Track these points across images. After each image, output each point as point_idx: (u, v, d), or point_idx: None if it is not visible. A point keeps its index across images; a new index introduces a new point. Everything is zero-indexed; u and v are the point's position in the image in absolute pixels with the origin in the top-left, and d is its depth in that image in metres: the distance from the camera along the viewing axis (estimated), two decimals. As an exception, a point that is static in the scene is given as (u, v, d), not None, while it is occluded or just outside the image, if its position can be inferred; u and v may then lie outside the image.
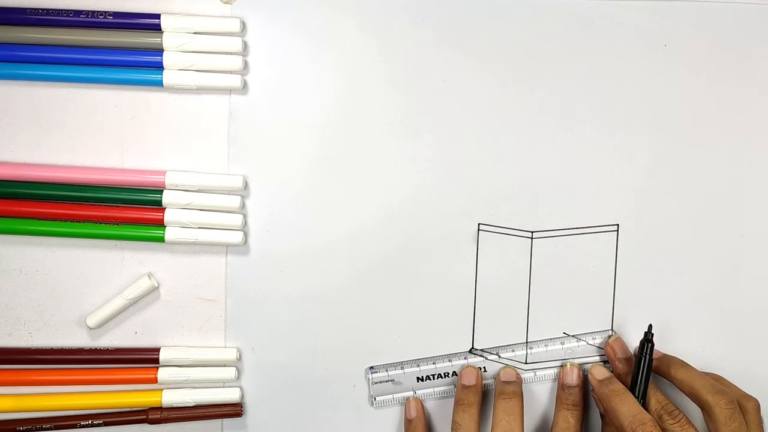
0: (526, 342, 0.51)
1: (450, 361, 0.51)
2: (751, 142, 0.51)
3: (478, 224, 0.50)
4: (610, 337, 0.51)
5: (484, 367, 0.50)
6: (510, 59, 0.49)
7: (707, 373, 0.50)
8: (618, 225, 0.51)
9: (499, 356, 0.51)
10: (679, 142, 0.50)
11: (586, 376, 0.50)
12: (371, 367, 0.50)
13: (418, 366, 0.50)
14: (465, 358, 0.50)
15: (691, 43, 0.50)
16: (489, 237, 0.50)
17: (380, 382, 0.50)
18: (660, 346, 0.51)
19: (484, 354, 0.51)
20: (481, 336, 0.51)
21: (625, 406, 0.46)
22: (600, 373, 0.50)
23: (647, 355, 0.48)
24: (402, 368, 0.50)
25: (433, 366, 0.50)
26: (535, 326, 0.51)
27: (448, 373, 0.50)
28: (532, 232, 0.50)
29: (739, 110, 0.51)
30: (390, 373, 0.50)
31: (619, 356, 0.50)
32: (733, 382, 0.50)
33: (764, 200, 0.51)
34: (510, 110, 0.50)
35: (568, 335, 0.51)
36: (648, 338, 0.48)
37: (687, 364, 0.49)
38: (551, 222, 0.50)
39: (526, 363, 0.51)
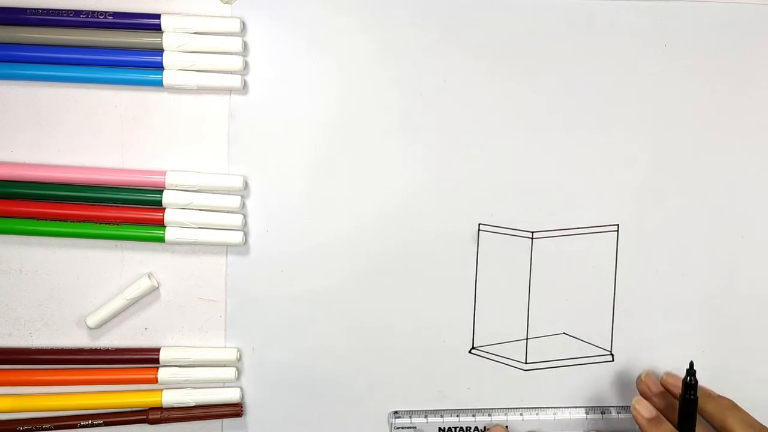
0: (526, 341, 0.51)
1: (474, 416, 0.51)
2: (750, 142, 0.51)
3: (478, 224, 0.50)
4: (641, 374, 0.51)
5: (507, 426, 0.51)
6: (510, 59, 0.49)
7: (721, 396, 0.48)
8: (618, 225, 0.51)
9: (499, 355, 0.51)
10: (679, 143, 0.50)
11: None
12: (395, 412, 0.51)
13: (442, 417, 0.51)
14: (489, 415, 0.51)
15: (691, 43, 0.50)
16: (489, 237, 0.50)
17: (402, 427, 0.50)
18: (659, 346, 0.51)
19: (484, 353, 0.51)
20: (481, 336, 0.51)
21: None
22: (647, 410, 0.48)
23: (692, 395, 0.46)
24: (425, 417, 0.51)
25: (457, 419, 0.51)
26: (535, 326, 0.51)
27: (470, 428, 0.51)
28: (532, 232, 0.50)
29: (739, 110, 0.51)
30: (413, 420, 0.50)
31: (654, 391, 0.50)
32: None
33: (764, 200, 0.51)
34: (510, 110, 0.50)
35: (569, 335, 0.51)
36: (691, 377, 0.46)
37: (718, 396, 0.48)
38: (551, 222, 0.50)
39: (525, 363, 0.51)
